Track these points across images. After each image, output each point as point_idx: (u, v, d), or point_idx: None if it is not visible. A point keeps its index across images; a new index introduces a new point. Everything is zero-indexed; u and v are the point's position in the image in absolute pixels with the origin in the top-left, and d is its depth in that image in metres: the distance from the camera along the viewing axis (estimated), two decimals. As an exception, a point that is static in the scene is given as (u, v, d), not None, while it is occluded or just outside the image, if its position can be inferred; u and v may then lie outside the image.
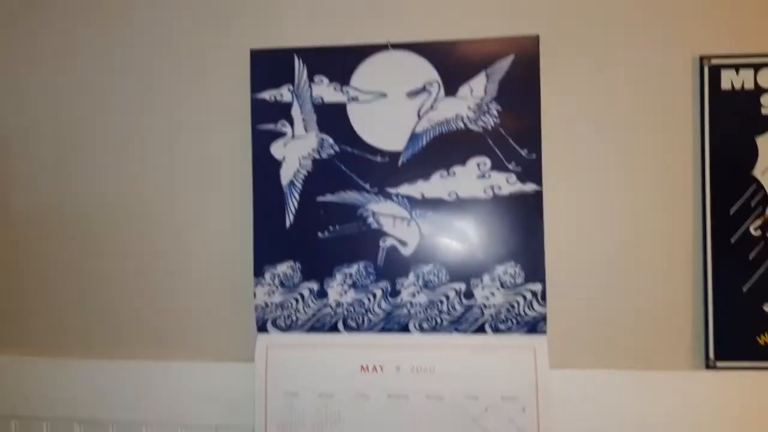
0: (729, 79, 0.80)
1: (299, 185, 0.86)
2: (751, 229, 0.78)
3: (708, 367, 0.79)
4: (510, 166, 0.82)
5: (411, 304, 0.83)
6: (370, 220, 0.84)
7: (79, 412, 0.90)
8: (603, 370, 0.80)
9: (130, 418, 0.89)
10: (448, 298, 0.83)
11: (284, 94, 0.86)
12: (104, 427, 0.90)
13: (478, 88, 0.83)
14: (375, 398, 0.82)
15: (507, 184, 0.82)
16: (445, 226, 0.83)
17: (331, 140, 0.85)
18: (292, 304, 0.85)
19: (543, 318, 0.81)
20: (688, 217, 0.80)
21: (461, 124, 0.83)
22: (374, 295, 0.84)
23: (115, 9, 0.91)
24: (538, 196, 0.81)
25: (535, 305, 0.81)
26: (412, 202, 0.84)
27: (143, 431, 0.89)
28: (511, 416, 0.79)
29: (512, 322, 0.81)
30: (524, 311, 0.81)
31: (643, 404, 0.79)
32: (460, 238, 0.83)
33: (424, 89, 0.84)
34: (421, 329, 0.83)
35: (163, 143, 0.90)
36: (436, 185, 0.83)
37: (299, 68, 0.86)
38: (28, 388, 0.91)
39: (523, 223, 0.82)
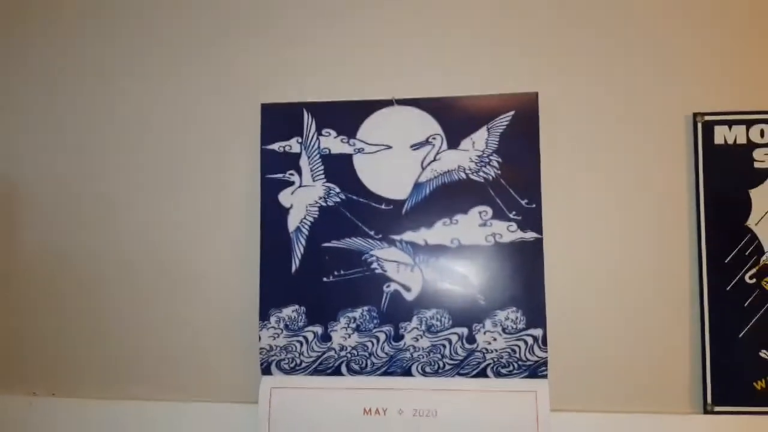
0: (722, 135, 0.83)
1: (306, 231, 0.88)
2: (746, 278, 0.81)
3: (706, 411, 0.79)
4: (511, 215, 0.85)
5: (414, 348, 0.85)
6: (375, 265, 0.87)
7: (83, 453, 0.90)
8: (603, 413, 0.81)
9: (132, 461, 0.89)
10: (450, 342, 0.84)
11: (293, 145, 0.90)
12: (108, 471, 0.90)
13: (479, 141, 0.87)
14: (378, 443, 0.82)
15: (508, 232, 0.85)
16: (447, 272, 0.85)
17: (337, 189, 0.89)
18: (296, 347, 0.87)
19: (544, 362, 0.82)
20: (685, 266, 0.83)
21: (463, 175, 0.87)
22: (378, 339, 0.86)
23: (132, 62, 0.95)
24: (538, 243, 0.84)
25: (536, 350, 0.82)
26: (416, 249, 0.86)
27: (146, 474, 0.89)
28: (513, 462, 0.79)
29: (514, 366, 0.83)
30: (525, 356, 0.82)
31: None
32: (463, 283, 0.85)
33: (427, 142, 0.88)
34: (424, 373, 0.84)
35: (175, 191, 0.94)
36: (438, 232, 0.86)
37: (308, 121, 0.90)
38: (27, 428, 0.92)
39: (524, 269, 0.84)
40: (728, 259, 0.81)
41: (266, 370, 0.87)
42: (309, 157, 0.90)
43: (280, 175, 0.90)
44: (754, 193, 0.81)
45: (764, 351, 0.80)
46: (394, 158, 0.88)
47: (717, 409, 0.79)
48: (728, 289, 0.81)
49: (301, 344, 0.87)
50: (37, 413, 0.92)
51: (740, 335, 0.80)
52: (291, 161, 0.90)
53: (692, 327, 0.82)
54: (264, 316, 0.88)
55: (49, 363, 0.95)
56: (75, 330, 0.94)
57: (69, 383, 0.94)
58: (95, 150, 0.96)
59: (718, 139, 0.83)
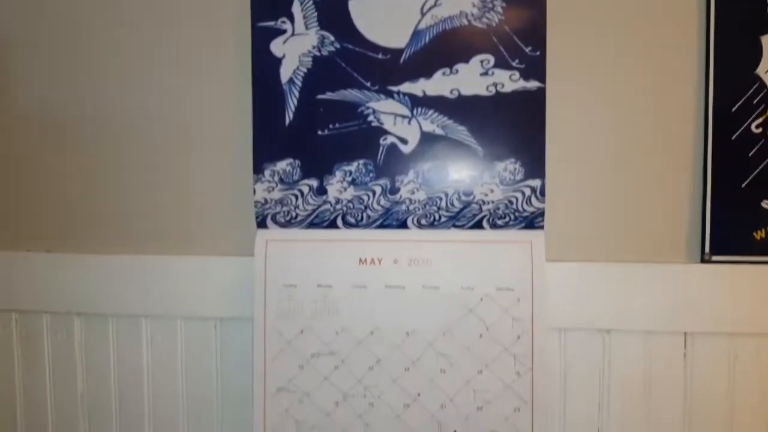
0: (736, -23, 0.78)
1: (299, 83, 0.85)
2: (753, 127, 0.78)
3: (703, 260, 0.80)
4: (513, 63, 0.82)
5: (410, 200, 0.84)
6: (371, 118, 0.84)
7: (79, 305, 0.91)
8: (598, 263, 0.81)
9: (130, 312, 0.90)
10: (446, 194, 0.83)
11: (285, -11, 0.85)
12: (104, 321, 0.91)
13: (482, -16, 0.82)
14: (372, 288, 0.83)
15: (510, 81, 0.82)
16: (446, 124, 0.83)
17: (332, 37, 0.85)
18: (291, 200, 0.86)
19: (541, 213, 0.81)
20: (690, 114, 0.80)
21: (465, 21, 0.82)
22: (373, 193, 0.84)
23: None
24: (540, 93, 0.81)
25: (534, 201, 0.81)
26: (414, 100, 0.83)
27: (143, 324, 0.90)
28: (506, 306, 0.80)
29: (510, 217, 0.82)
30: (522, 207, 0.82)
31: (638, 296, 0.80)
32: (461, 135, 0.83)
33: (427, -15, 0.83)
34: (420, 225, 0.84)
35: (162, 41, 0.90)
36: (438, 83, 0.83)
37: (301, -37, 0.84)
38: (28, 282, 0.92)
39: (525, 120, 0.81)
40: (735, 108, 0.79)
41: (262, 224, 0.86)
42: (302, 3, 0.85)
43: (271, 23, 0.85)
44: (766, 40, 0.78)
45: (766, 201, 0.79)
46: (393, 2, 0.83)
47: (715, 258, 0.79)
48: (733, 138, 0.79)
49: (297, 198, 0.86)
50: (31, 269, 0.92)
51: (743, 185, 0.79)
52: (283, 7, 0.85)
53: (694, 176, 0.81)
54: (258, 170, 0.86)
55: (43, 221, 0.94)
56: (69, 187, 0.93)
57: (63, 240, 0.93)
58: (80, 7, 0.91)
59: (732, -19, 0.78)
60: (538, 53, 0.81)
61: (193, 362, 0.90)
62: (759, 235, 0.79)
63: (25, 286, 0.92)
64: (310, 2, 0.85)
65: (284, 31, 0.85)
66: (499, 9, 0.81)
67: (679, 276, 0.80)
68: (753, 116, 0.78)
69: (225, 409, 0.89)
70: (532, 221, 0.81)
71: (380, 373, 0.83)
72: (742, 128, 0.78)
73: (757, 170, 0.78)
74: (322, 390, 0.84)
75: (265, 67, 0.85)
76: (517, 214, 0.82)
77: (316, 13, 0.85)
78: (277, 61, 0.85)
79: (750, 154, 0.78)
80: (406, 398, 0.83)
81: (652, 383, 0.81)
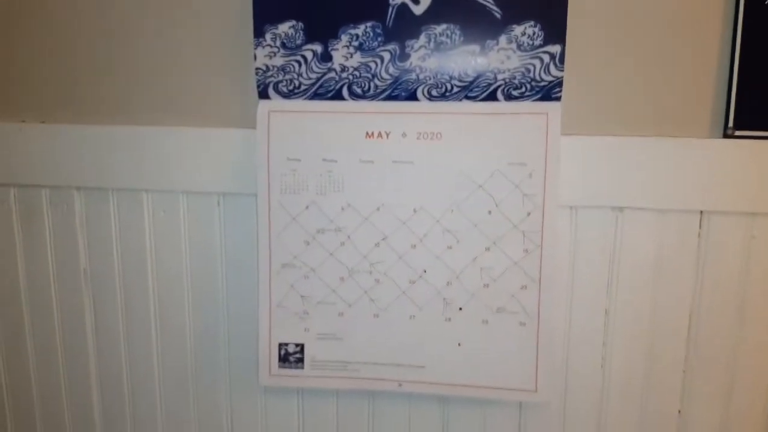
0: None
1: (304, -65, 0.78)
2: (793, -10, 0.72)
3: (726, 135, 0.76)
4: None
5: (420, 68, 0.79)
6: (380, -24, 0.78)
7: (78, 179, 0.89)
8: (615, 137, 0.77)
9: (130, 185, 0.88)
10: (460, 62, 0.78)
11: None
12: (104, 194, 0.89)
13: None
14: (379, 163, 0.80)
15: (532, -65, 0.75)
16: (460, -17, 0.77)
17: None
18: (294, 67, 0.81)
19: (559, 83, 0.77)
20: (724, -25, 0.74)
21: None
22: (382, 59, 0.79)
23: None
24: (565, -51, 0.74)
25: (552, 69, 0.76)
26: (427, -44, 0.77)
27: (144, 198, 0.88)
28: (517, 182, 0.78)
29: (526, 87, 0.77)
30: (540, 75, 0.77)
31: (654, 172, 0.77)
32: (477, -5, 0.77)
33: None
34: (430, 97, 0.80)
35: None
36: (453, -63, 0.76)
37: None
38: (26, 155, 0.89)
39: (547, -21, 0.75)
40: (775, -32, 0.72)
41: (263, 94, 0.82)
42: None
43: None
44: None
45: (798, 73, 0.74)
46: None
47: (738, 133, 0.75)
48: (767, 2, 0.73)
49: (300, 64, 0.81)
50: (27, 141, 0.89)
51: (776, 55, 0.74)
52: None
53: (723, 45, 0.75)
54: (259, 33, 0.81)
55: (38, 90, 0.90)
56: (64, 56, 0.88)
57: (58, 111, 0.90)
58: None
59: None
60: None
61: (197, 238, 0.88)
62: (789, 109, 0.74)
63: (22, 159, 0.90)
64: None
65: None
66: None
67: (698, 151, 0.76)
68: (795, -23, 0.72)
69: (230, 285, 0.88)
70: (549, 92, 0.77)
71: (386, 250, 0.82)
72: (781, -9, 0.72)
73: (794, 37, 0.73)
74: (328, 266, 0.83)
75: None
76: (533, 83, 0.77)
77: None
78: None
79: (788, 21, 0.73)
80: (412, 275, 0.82)
81: (664, 264, 0.79)
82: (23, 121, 0.90)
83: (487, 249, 0.80)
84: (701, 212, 0.78)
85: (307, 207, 0.82)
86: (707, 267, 0.79)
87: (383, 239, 0.82)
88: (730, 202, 0.76)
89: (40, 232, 0.92)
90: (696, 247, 0.78)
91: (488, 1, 0.76)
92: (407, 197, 0.80)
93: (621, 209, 0.79)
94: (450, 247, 0.81)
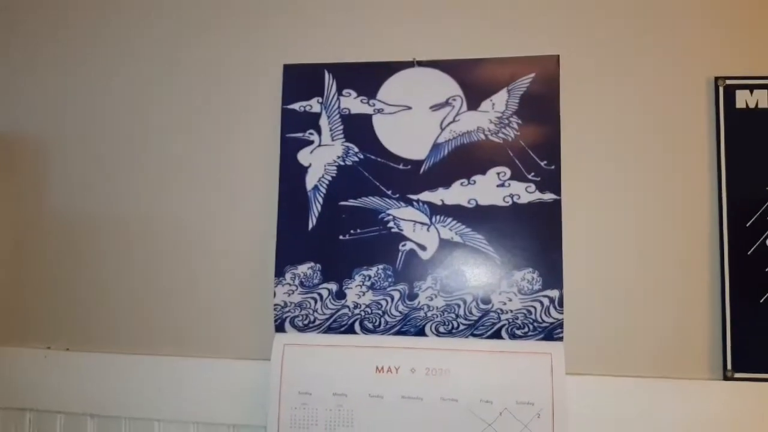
0: (744, 99, 0.82)
1: (323, 190, 0.89)
2: (767, 242, 0.79)
3: (726, 378, 0.78)
4: (529, 176, 0.85)
5: (428, 307, 0.84)
6: (391, 224, 0.87)
7: (93, 406, 0.91)
8: (619, 377, 0.80)
9: (144, 414, 0.89)
10: (465, 302, 0.84)
11: (313, 105, 0.91)
12: (117, 422, 0.90)
13: (499, 103, 0.87)
14: (389, 399, 0.82)
15: (526, 193, 0.84)
16: (464, 232, 0.85)
17: (356, 148, 0.89)
18: (310, 304, 0.87)
19: (560, 324, 0.81)
20: (705, 230, 0.82)
21: (482, 136, 0.87)
22: (392, 298, 0.85)
23: (155, 22, 0.97)
24: (556, 205, 0.83)
25: (552, 311, 0.81)
26: (432, 208, 0.86)
27: (156, 428, 0.89)
28: (526, 422, 0.78)
29: (529, 327, 0.82)
30: (541, 317, 0.82)
31: (660, 413, 0.78)
32: (479, 243, 0.84)
33: (447, 103, 0.88)
34: (438, 333, 0.84)
35: (197, 150, 0.95)
36: (456, 192, 0.86)
37: (329, 82, 0.91)
38: (45, 381, 0.92)
39: (542, 230, 0.83)
40: (749, 223, 0.80)
41: (280, 327, 0.87)
42: (329, 117, 0.90)
43: (299, 134, 0.90)
44: (777, 158, 0.80)
45: (786, 317, 0.78)
46: (414, 119, 0.88)
47: (737, 375, 0.78)
48: (749, 253, 0.79)
49: (316, 301, 0.87)
50: (51, 367, 0.93)
51: (761, 300, 0.78)
52: (311, 121, 0.90)
53: (712, 292, 0.80)
54: (279, 273, 0.88)
55: (63, 319, 0.95)
56: (90, 286, 0.95)
57: (83, 339, 0.94)
58: (116, 110, 0.97)
59: (740, 103, 0.82)
60: (553, 167, 0.84)
61: (203, 470, 0.87)
62: (782, 351, 0.77)
63: (43, 385, 0.92)
64: (337, 116, 0.90)
65: (311, 142, 0.90)
66: (515, 125, 0.86)
67: (703, 393, 0.78)
68: (767, 232, 0.79)
69: None
70: (551, 332, 0.81)
71: (395, 489, 0.80)
72: (757, 243, 0.79)
73: (776, 286, 0.78)
74: (335, 506, 0.81)
75: (292, 174, 0.89)
76: (536, 324, 0.81)
77: (342, 126, 0.90)
78: (304, 170, 0.89)
79: (767, 269, 0.79)
80: None
81: None
82: (48, 347, 0.94)
83: (499, 491, 0.78)
84: (714, 455, 0.77)
85: (316, 442, 0.82)
86: None
87: (392, 479, 0.80)
88: (739, 443, 0.76)
89: (47, 458, 0.92)
90: (714, 494, 0.76)
91: (489, 249, 0.84)
92: (417, 434, 0.81)
93: (633, 452, 0.78)
94: (461, 489, 0.79)
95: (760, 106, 0.82)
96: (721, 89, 0.83)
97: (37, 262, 0.97)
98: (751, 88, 0.82)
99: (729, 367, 0.78)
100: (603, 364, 0.81)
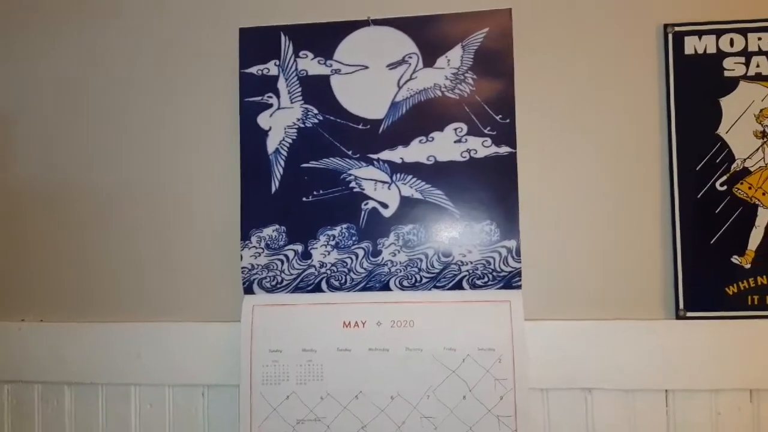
0: (692, 45, 0.84)
1: (284, 153, 0.90)
2: (717, 185, 0.82)
3: (678, 317, 0.81)
4: (485, 131, 0.86)
5: (392, 263, 0.86)
6: (353, 184, 0.88)
7: (69, 375, 0.92)
8: (576, 321, 0.83)
9: (120, 380, 0.91)
10: (427, 256, 0.86)
11: (271, 68, 0.91)
12: (94, 389, 0.92)
13: (454, 59, 0.88)
14: (356, 352, 0.84)
15: (483, 147, 0.86)
16: (424, 188, 0.87)
17: (315, 110, 0.90)
18: (277, 265, 0.88)
19: (518, 273, 0.83)
20: (656, 175, 0.84)
21: (439, 93, 0.88)
22: (356, 256, 0.87)
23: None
24: (512, 157, 0.85)
25: (510, 261, 0.84)
26: (393, 167, 0.87)
27: (133, 392, 0.91)
28: (488, 367, 0.81)
29: (489, 277, 0.84)
30: (500, 267, 0.84)
31: (615, 353, 0.81)
32: (439, 199, 0.86)
33: (403, 61, 0.89)
34: (402, 287, 0.86)
35: (155, 116, 0.95)
36: (415, 150, 0.87)
37: (285, 44, 0.91)
38: (20, 353, 0.94)
39: (498, 183, 0.85)
40: (699, 166, 0.82)
41: (248, 290, 0.89)
42: (287, 80, 0.90)
43: (258, 98, 0.91)
44: (725, 102, 0.82)
45: (735, 257, 0.81)
46: (371, 78, 0.89)
47: (689, 314, 0.81)
48: (699, 196, 0.82)
49: (282, 262, 0.88)
50: (26, 338, 0.94)
51: (711, 241, 0.81)
52: (269, 84, 0.91)
53: (663, 235, 0.83)
54: (245, 236, 0.89)
55: (36, 291, 0.96)
56: (60, 257, 0.96)
57: (56, 310, 0.96)
58: (71, 76, 0.97)
59: (689, 50, 0.84)
60: (508, 121, 0.85)
61: (181, 430, 0.90)
62: (731, 290, 0.80)
63: (19, 357, 0.94)
64: (295, 78, 0.90)
65: (270, 105, 0.90)
66: (470, 81, 0.87)
67: (656, 333, 0.81)
68: (716, 174, 0.82)
69: (212, 478, 0.88)
70: (510, 281, 0.83)
71: (366, 438, 0.83)
72: (707, 186, 0.82)
73: (725, 227, 0.81)
74: (309, 456, 0.84)
75: (252, 139, 0.90)
76: (495, 273, 0.84)
77: (300, 89, 0.90)
78: (264, 133, 0.90)
79: (717, 211, 0.81)
80: (393, 463, 0.82)
81: (638, 442, 0.81)
82: (23, 320, 0.96)
83: (465, 434, 0.82)
84: (666, 391, 0.80)
85: (287, 397, 0.85)
86: (681, 444, 0.80)
87: (362, 427, 0.83)
88: (693, 380, 0.80)
89: (29, 427, 0.94)
90: (665, 425, 0.80)
91: (448, 204, 0.86)
92: (385, 384, 0.84)
93: (590, 390, 0.82)
94: (429, 433, 0.82)
95: (708, 51, 0.83)
96: (670, 36, 0.84)
97: (5, 234, 0.97)
98: (700, 34, 0.84)
99: (681, 306, 0.81)
100: (560, 309, 0.84)
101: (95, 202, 0.95)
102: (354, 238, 0.87)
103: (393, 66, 0.89)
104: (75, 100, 0.97)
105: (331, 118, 0.89)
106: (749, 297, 0.80)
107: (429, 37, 0.88)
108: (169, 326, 0.91)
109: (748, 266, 0.80)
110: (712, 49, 0.83)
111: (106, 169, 0.95)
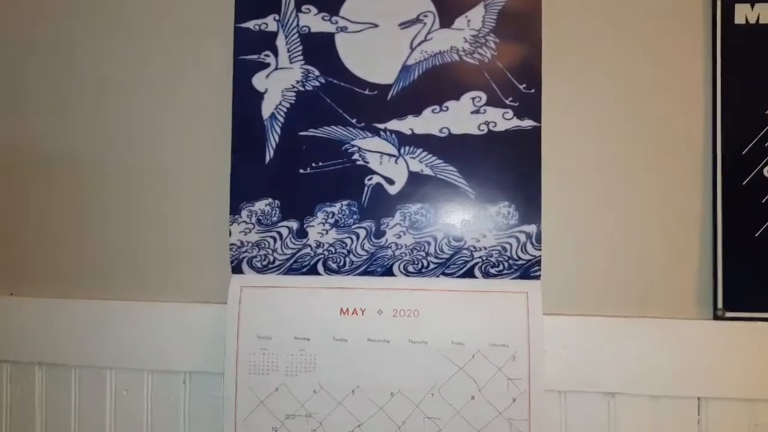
0: (743, 14, 0.74)
1: (281, 118, 0.81)
2: (765, 172, 0.73)
3: (716, 317, 0.73)
4: (507, 101, 0.77)
5: (396, 245, 0.78)
6: (356, 156, 0.79)
7: (40, 355, 0.85)
8: (600, 317, 0.74)
9: (94, 362, 0.84)
10: (435, 239, 0.77)
11: (269, 23, 0.81)
12: (67, 371, 0.85)
13: (475, 19, 0.78)
14: (354, 342, 0.76)
15: (503, 119, 0.77)
16: (435, 164, 0.78)
17: (317, 72, 0.80)
18: (269, 243, 0.80)
19: (537, 262, 0.75)
20: (698, 158, 0.75)
21: (456, 57, 0.78)
22: (357, 236, 0.78)
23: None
24: (536, 132, 0.76)
25: (529, 248, 0.75)
26: (401, 138, 0.78)
27: (108, 376, 0.83)
28: (500, 364, 0.73)
29: (504, 265, 0.76)
30: (517, 254, 0.75)
31: (644, 354, 0.73)
32: (451, 176, 0.77)
33: (418, 20, 0.79)
34: (407, 272, 0.78)
35: (145, 76, 0.86)
36: (426, 120, 0.78)
37: (286, -3, 0.81)
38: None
39: (519, 161, 0.76)
40: (745, 151, 0.73)
41: (237, 269, 0.80)
42: (287, 37, 0.81)
43: (254, 56, 0.81)
44: (777, 80, 0.73)
45: (781, 252, 0.72)
46: (381, 38, 0.80)
47: (728, 314, 0.72)
48: (744, 183, 0.73)
49: (275, 240, 0.80)
50: (-6, 313, 0.86)
51: (756, 234, 0.73)
52: (267, 41, 0.81)
53: (703, 225, 0.74)
54: (235, 210, 0.80)
55: (6, 263, 0.88)
56: (34, 227, 0.88)
57: (27, 283, 0.88)
58: (55, 35, 0.88)
59: (739, 19, 0.74)
60: (533, 90, 0.76)
61: (160, 420, 0.82)
62: (777, 288, 0.72)
63: (-14, 333, 0.86)
64: (296, 36, 0.81)
65: (267, 65, 0.81)
66: (492, 44, 0.77)
67: (690, 334, 0.73)
68: (765, 160, 0.73)
69: (192, 473, 0.81)
70: (528, 270, 0.75)
71: (362, 437, 0.76)
72: (753, 173, 0.73)
73: (772, 218, 0.72)
74: (298, 454, 0.76)
75: (246, 101, 0.81)
76: (511, 261, 0.75)
77: (301, 47, 0.81)
78: (259, 96, 0.81)
79: (763, 201, 0.72)
80: (390, 466, 0.75)
81: (663, 453, 0.73)
82: (-8, 293, 0.88)
83: (472, 437, 0.74)
84: (699, 398, 0.72)
85: (276, 389, 0.77)
86: (712, 457, 0.72)
87: (358, 426, 0.76)
88: (729, 388, 0.72)
89: (-3, 409, 0.86)
90: (697, 437, 0.72)
91: (462, 182, 0.77)
92: (384, 379, 0.76)
93: (613, 395, 0.74)
94: (431, 435, 0.75)
95: (761, 21, 0.74)
96: (718, 3, 0.75)
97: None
98: (752, 1, 0.74)
99: (720, 305, 0.73)
100: (583, 304, 0.76)
101: (72, 171, 0.87)
102: (355, 217, 0.78)
103: (406, 25, 0.79)
104: (57, 63, 0.87)
105: (335, 81, 0.80)
106: (796, 297, 0.72)
107: (447, -7, 0.78)
108: (149, 306, 0.83)
109: (795, 263, 0.72)
110: (765, 19, 0.74)
111: (87, 136, 0.87)
